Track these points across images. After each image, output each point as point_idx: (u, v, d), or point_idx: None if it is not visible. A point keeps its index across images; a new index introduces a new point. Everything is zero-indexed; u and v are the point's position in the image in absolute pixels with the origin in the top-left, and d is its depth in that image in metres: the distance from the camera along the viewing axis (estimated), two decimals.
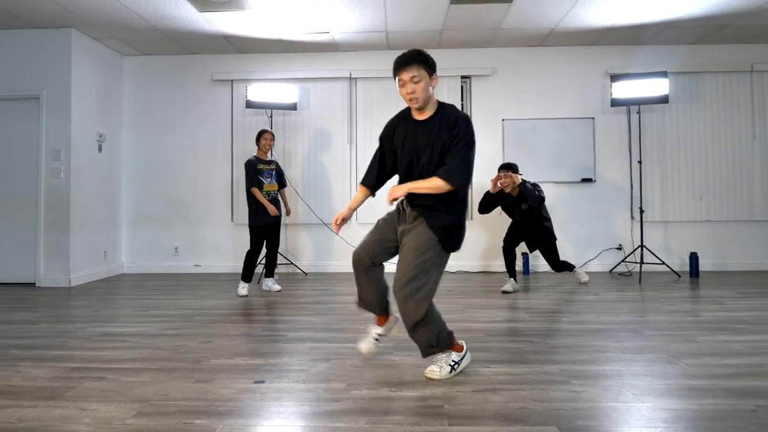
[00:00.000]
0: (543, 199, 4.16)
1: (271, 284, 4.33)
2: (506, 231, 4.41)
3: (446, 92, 5.51)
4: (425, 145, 2.13)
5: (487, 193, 4.28)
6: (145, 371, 2.24)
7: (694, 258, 5.00)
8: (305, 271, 5.41)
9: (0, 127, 4.89)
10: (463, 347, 2.22)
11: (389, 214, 2.25)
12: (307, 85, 5.59)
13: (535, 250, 4.38)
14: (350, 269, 5.42)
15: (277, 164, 4.37)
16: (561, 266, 4.36)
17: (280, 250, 5.50)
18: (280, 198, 4.35)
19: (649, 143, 5.43)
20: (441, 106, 2.20)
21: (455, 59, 5.54)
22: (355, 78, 5.55)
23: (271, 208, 4.09)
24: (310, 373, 2.20)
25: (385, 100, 5.53)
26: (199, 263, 5.59)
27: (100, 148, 5.26)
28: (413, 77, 2.06)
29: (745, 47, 5.46)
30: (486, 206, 4.30)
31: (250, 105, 5.20)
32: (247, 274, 4.12)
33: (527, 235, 4.32)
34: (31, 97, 4.83)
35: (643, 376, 2.12)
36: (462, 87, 5.61)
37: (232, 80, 5.62)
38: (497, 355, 2.44)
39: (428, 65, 2.11)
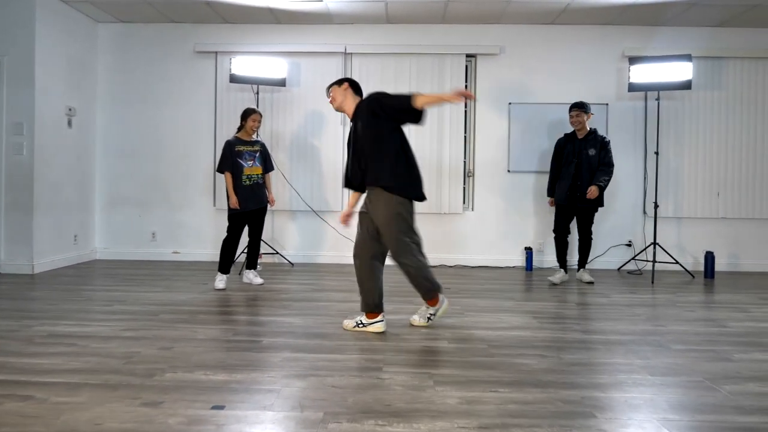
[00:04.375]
0: (611, 173, 4.17)
1: (252, 277, 3.95)
2: (555, 218, 4.29)
3: (450, 71, 5.07)
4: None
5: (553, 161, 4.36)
6: (83, 388, 1.87)
7: (709, 258, 4.66)
8: (292, 262, 5.03)
9: None
10: (437, 301, 2.73)
11: (363, 205, 2.68)
12: (297, 60, 5.13)
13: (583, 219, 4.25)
14: (339, 260, 5.05)
15: (262, 146, 3.95)
16: (589, 236, 4.25)
17: (265, 238, 5.11)
18: (265, 183, 3.94)
19: (665, 133, 5.04)
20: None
21: (460, 36, 5.09)
22: (351, 53, 5.10)
23: (233, 199, 3.69)
24: (281, 395, 1.83)
25: (383, 78, 5.09)
26: (178, 250, 5.19)
27: (69, 123, 4.81)
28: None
29: None
30: (556, 167, 4.33)
31: (234, 79, 4.75)
32: (224, 265, 3.74)
33: (576, 199, 4.13)
34: None
35: (681, 409, 1.77)
36: (467, 67, 5.18)
37: (216, 52, 5.16)
38: (504, 374, 2.08)
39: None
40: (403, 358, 2.25)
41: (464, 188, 5.18)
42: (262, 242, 4.95)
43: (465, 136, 5.15)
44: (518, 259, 5.07)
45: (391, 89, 5.06)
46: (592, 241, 4.32)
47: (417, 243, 2.62)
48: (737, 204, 5.06)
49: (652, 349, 2.46)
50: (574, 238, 4.41)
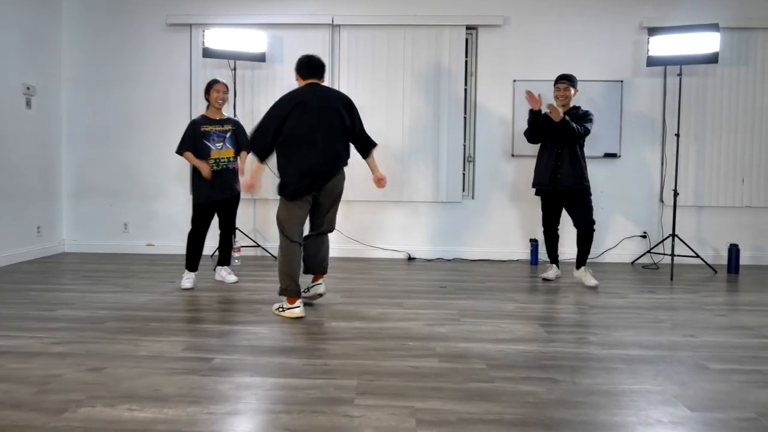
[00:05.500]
0: (584, 133, 3.49)
1: (225, 274, 3.54)
2: (542, 211, 3.78)
3: (448, 45, 4.58)
4: None
5: (530, 113, 3.61)
6: None
7: (734, 251, 4.21)
8: (275, 255, 4.61)
9: None
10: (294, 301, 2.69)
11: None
12: (279, 33, 4.64)
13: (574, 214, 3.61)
14: None
15: (236, 124, 3.48)
16: (591, 226, 3.55)
17: (246, 229, 4.69)
18: (237, 168, 3.48)
19: (686, 113, 4.56)
20: None
21: (460, 5, 4.58)
22: (339, 25, 4.61)
23: (205, 169, 3.22)
24: None
25: (374, 53, 4.60)
26: (152, 243, 4.78)
27: (28, 104, 4.36)
28: None
29: None
30: (534, 131, 3.61)
31: (208, 54, 4.28)
32: (191, 262, 3.33)
33: (558, 182, 3.55)
34: None
35: None
36: (467, 40, 4.68)
37: (190, 24, 4.67)
38: (506, 408, 1.67)
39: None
40: (381, 384, 1.83)
41: (464, 174, 4.73)
42: (242, 234, 4.55)
43: (465, 117, 4.68)
44: (523, 252, 4.64)
45: (384, 64, 4.60)
46: (594, 232, 3.63)
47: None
48: (763, 191, 4.60)
49: (687, 369, 2.04)
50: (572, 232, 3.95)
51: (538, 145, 3.77)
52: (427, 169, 4.61)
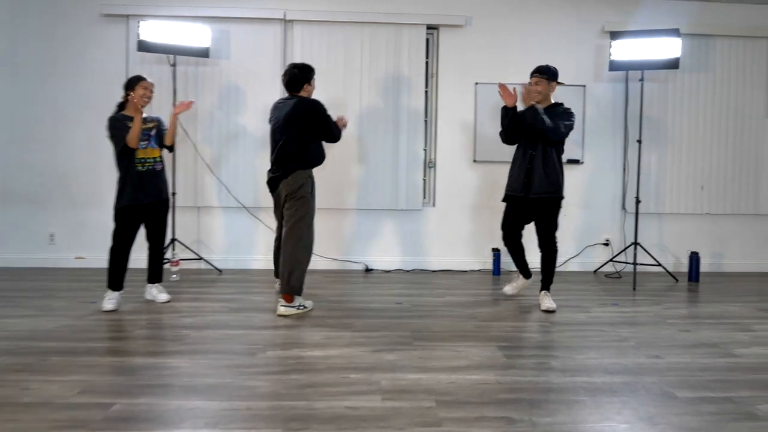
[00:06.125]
0: (556, 129, 2.99)
1: (155, 293, 3.17)
2: (503, 218, 3.28)
3: (408, 45, 4.35)
4: None
5: (503, 110, 3.17)
6: None
7: (694, 259, 4.16)
8: (219, 268, 4.24)
9: None
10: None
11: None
12: (226, 27, 4.30)
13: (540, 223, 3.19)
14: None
15: (160, 122, 3.13)
16: (553, 249, 3.17)
17: (189, 240, 4.30)
18: (164, 168, 3.12)
19: (648, 120, 4.49)
20: None
21: (421, 3, 4.37)
22: (292, 20, 4.31)
23: (135, 129, 2.85)
24: None
25: (330, 52, 4.33)
26: (82, 255, 4.32)
27: None
28: None
29: (764, 8, 4.54)
30: (509, 131, 3.16)
31: (144, 47, 3.89)
32: (114, 280, 2.95)
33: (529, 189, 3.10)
34: None
35: None
36: (428, 40, 4.47)
37: (127, 16, 4.26)
38: None
39: None
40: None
41: (424, 181, 4.51)
42: (181, 246, 4.11)
43: (425, 121, 4.46)
44: (485, 262, 4.45)
45: (340, 64, 4.32)
46: (557, 252, 3.21)
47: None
48: (722, 198, 4.59)
49: (653, 399, 1.85)
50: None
51: (507, 149, 3.35)
52: (386, 175, 4.36)
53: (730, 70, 4.54)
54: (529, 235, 3.28)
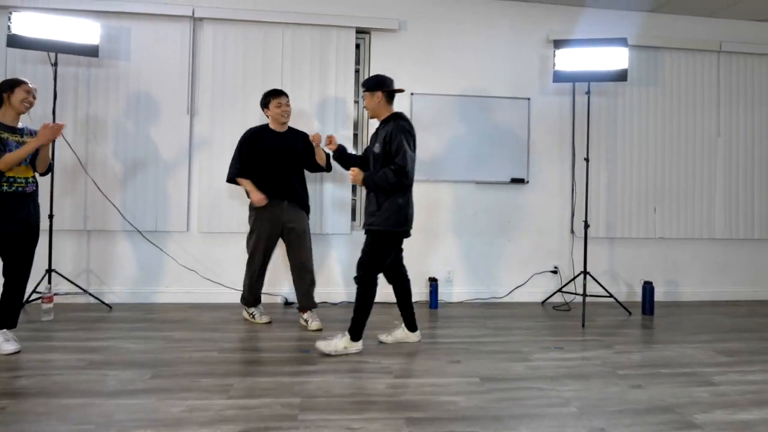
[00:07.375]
0: (397, 178, 2.60)
1: (1, 341, 2.51)
2: (385, 258, 2.80)
3: (335, 50, 3.89)
4: None
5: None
6: None
7: (648, 290, 3.80)
8: (109, 304, 3.59)
9: None
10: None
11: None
12: (126, 24, 3.73)
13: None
14: (179, 299, 3.72)
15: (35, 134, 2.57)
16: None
17: (73, 271, 3.63)
18: (37, 190, 2.55)
19: (596, 136, 4.18)
20: None
21: (350, 4, 3.93)
22: (201, 18, 3.78)
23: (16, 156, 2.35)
24: None
25: (247, 56, 3.82)
26: None
27: None
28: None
29: (712, 22, 4.34)
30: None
31: (15, 42, 3.28)
32: None
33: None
34: None
35: None
36: (358, 45, 4.03)
37: (7, 7, 3.63)
38: None
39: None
40: None
41: (353, 201, 4.02)
42: (58, 276, 3.35)
43: (355, 135, 3.99)
44: (421, 293, 3.97)
45: (258, 68, 3.82)
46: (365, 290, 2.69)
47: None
48: (675, 222, 4.30)
49: None
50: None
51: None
52: (310, 195, 3.85)
53: (680, 84, 4.30)
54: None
